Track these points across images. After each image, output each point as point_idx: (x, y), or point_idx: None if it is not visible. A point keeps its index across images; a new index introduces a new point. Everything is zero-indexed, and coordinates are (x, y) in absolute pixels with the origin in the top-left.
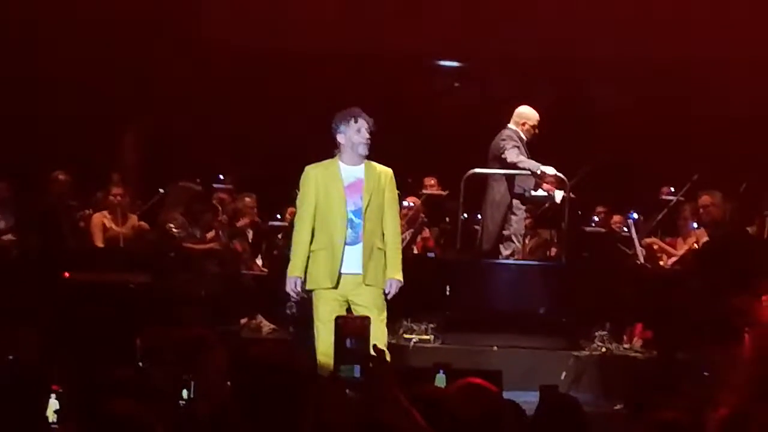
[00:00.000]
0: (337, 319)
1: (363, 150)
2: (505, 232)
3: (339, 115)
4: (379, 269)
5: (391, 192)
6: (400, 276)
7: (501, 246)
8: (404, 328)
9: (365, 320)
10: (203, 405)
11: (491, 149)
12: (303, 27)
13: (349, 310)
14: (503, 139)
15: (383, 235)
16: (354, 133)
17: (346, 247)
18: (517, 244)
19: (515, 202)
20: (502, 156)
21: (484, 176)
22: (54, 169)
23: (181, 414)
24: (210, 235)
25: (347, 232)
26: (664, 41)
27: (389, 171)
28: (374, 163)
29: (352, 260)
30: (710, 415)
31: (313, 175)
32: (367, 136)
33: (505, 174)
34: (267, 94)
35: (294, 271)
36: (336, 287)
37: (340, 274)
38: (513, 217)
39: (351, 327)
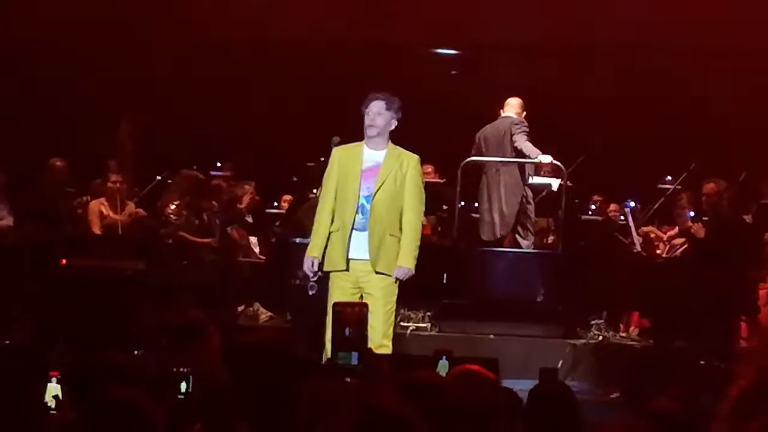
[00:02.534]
0: (335, 306)
1: (368, 132)
2: (524, 221)
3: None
4: (392, 257)
5: (413, 178)
6: (408, 264)
7: (518, 236)
8: (401, 315)
9: (363, 308)
10: (200, 392)
11: (493, 136)
12: (299, 16)
13: (361, 298)
14: (516, 124)
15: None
16: (365, 118)
17: (355, 232)
18: (533, 235)
19: (528, 190)
20: (513, 138)
21: (488, 163)
22: (51, 156)
23: (180, 404)
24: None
25: (358, 218)
26: (664, 28)
27: (414, 157)
28: (400, 149)
29: (360, 246)
30: (727, 388)
31: (337, 157)
32: (373, 119)
33: (512, 161)
34: (264, 83)
35: (311, 251)
36: (347, 270)
37: (348, 259)
38: (529, 206)
39: (349, 315)
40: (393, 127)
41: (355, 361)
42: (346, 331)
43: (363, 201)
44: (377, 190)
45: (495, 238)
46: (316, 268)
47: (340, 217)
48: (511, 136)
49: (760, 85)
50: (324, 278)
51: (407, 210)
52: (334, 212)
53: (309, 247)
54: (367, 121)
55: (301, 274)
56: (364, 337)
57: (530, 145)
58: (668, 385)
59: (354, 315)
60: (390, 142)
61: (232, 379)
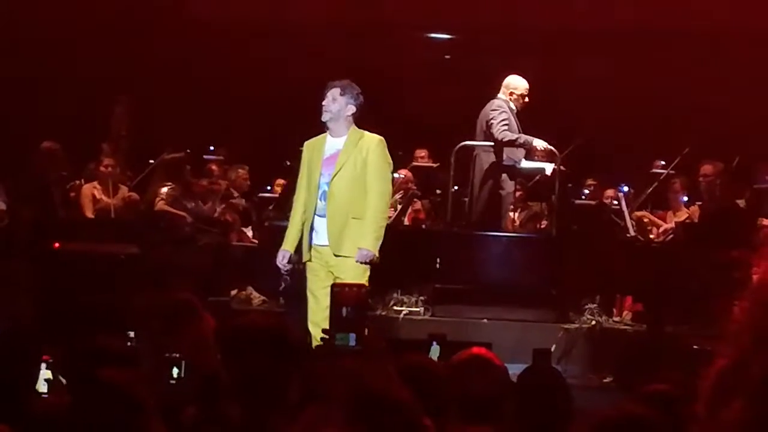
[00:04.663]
0: (333, 287)
1: (322, 117)
2: (493, 207)
3: None
4: (357, 239)
5: (374, 159)
6: (369, 245)
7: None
8: (394, 300)
9: (361, 288)
10: (193, 377)
11: (480, 120)
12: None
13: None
14: (493, 110)
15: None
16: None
17: (318, 218)
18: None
19: (504, 176)
20: (491, 131)
21: (473, 147)
22: (44, 139)
23: (172, 388)
24: (208, 206)
25: (320, 204)
26: (657, 12)
27: (375, 139)
28: (362, 132)
29: (323, 232)
30: (707, 368)
31: (305, 150)
32: (326, 105)
33: (494, 145)
34: (258, 65)
35: (284, 244)
36: (311, 260)
37: (312, 245)
38: (501, 192)
39: (347, 295)
40: (350, 113)
41: (353, 343)
42: (344, 311)
43: (324, 187)
44: (335, 175)
45: (469, 221)
46: (286, 261)
47: (307, 207)
48: (488, 122)
49: (754, 70)
50: (299, 269)
51: (368, 192)
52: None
53: (284, 240)
54: (323, 107)
55: (295, 258)
56: (363, 318)
57: (510, 133)
58: (661, 369)
59: (352, 295)
60: (353, 126)
61: (224, 363)
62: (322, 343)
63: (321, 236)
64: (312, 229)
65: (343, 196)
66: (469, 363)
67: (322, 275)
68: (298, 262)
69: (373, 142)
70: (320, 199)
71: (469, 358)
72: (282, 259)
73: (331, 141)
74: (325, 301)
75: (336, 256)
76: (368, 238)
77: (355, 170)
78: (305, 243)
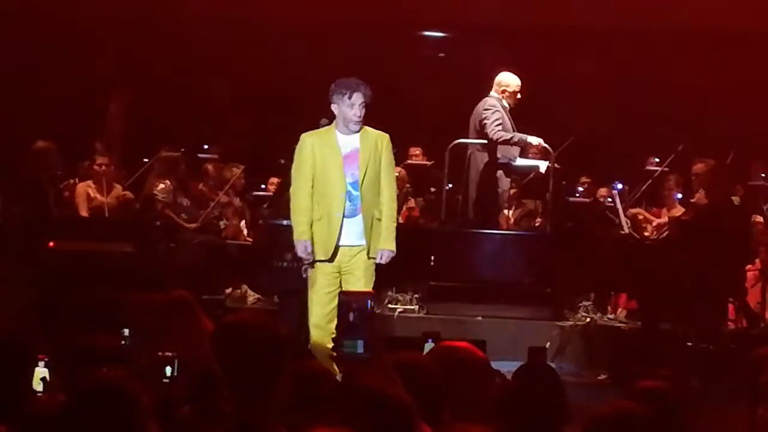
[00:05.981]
0: (341, 294)
1: (354, 127)
2: (491, 205)
3: (336, 85)
4: (377, 240)
5: (387, 158)
6: (392, 246)
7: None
8: (389, 298)
9: (369, 295)
10: (186, 375)
11: (473, 119)
12: None
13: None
14: (486, 109)
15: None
16: (347, 108)
17: (345, 219)
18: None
19: (499, 173)
20: (485, 131)
21: (467, 145)
22: (39, 138)
23: (165, 387)
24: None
25: (347, 205)
26: (651, 10)
27: (386, 136)
28: (370, 130)
29: (351, 233)
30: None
31: (309, 143)
32: (360, 113)
33: (487, 143)
34: (251, 63)
35: (301, 235)
36: (331, 260)
37: (337, 246)
38: (497, 190)
39: (355, 302)
40: None
41: (361, 350)
42: (351, 318)
43: (350, 188)
44: (364, 177)
45: (464, 219)
46: (310, 250)
47: (325, 206)
48: (481, 122)
49: (747, 68)
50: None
51: (385, 189)
52: (313, 200)
53: (298, 232)
54: (354, 113)
55: (290, 257)
56: (371, 325)
57: (504, 132)
58: (656, 366)
59: (360, 302)
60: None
61: (217, 361)
62: (334, 353)
63: (347, 237)
64: (340, 229)
65: (369, 197)
66: (449, 355)
67: (332, 278)
68: (294, 261)
69: (384, 140)
70: (347, 200)
71: (447, 349)
72: (305, 249)
73: (343, 138)
74: (331, 304)
75: (368, 258)
76: (390, 239)
77: (375, 169)
78: (325, 243)
